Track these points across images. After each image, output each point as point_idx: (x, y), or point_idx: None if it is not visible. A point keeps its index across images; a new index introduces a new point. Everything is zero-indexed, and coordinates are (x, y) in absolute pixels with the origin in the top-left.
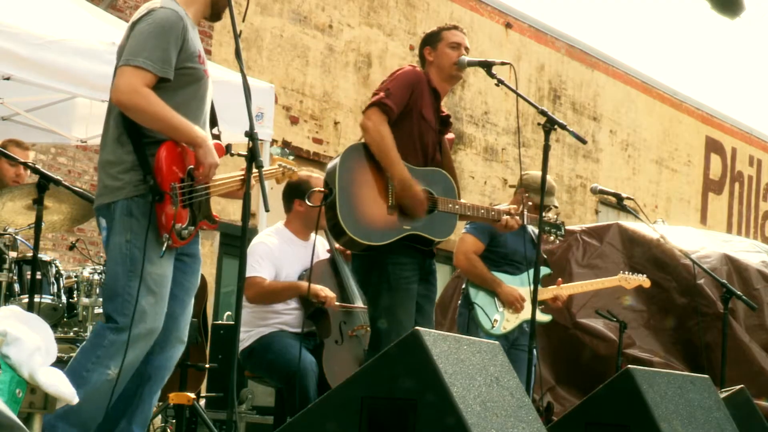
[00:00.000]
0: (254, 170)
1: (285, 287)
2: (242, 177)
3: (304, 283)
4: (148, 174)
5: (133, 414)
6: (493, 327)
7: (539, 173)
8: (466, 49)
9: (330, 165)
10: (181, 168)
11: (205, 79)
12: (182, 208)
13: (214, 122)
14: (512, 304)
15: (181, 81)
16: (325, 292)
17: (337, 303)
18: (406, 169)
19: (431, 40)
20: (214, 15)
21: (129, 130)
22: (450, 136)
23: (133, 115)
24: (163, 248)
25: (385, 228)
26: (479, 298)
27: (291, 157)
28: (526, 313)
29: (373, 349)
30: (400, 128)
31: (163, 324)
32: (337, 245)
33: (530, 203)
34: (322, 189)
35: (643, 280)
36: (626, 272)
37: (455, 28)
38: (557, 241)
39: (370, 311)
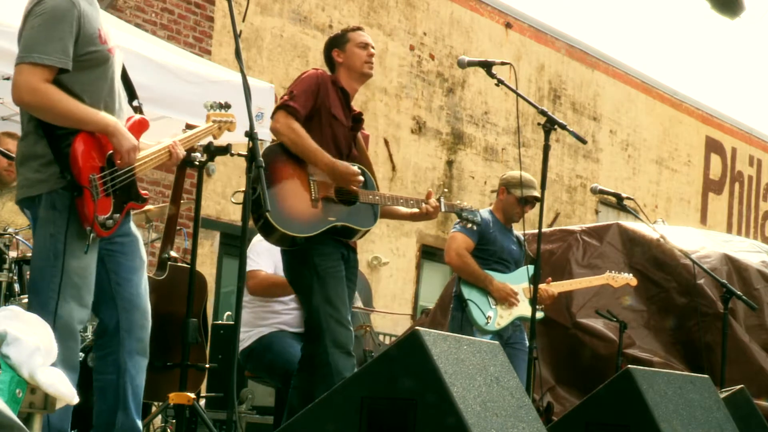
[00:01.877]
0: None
1: (285, 283)
2: (168, 149)
3: None
4: (65, 170)
5: (125, 404)
6: (487, 323)
7: (517, 172)
8: (373, 47)
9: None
10: (100, 155)
11: (111, 59)
12: (105, 197)
13: (132, 95)
14: (505, 299)
15: (85, 66)
16: None
17: None
18: (327, 154)
19: (338, 42)
20: None
21: (42, 123)
22: (365, 133)
23: (37, 114)
24: (88, 242)
25: (312, 221)
26: (472, 295)
27: (228, 110)
28: (518, 310)
29: (313, 341)
30: (311, 129)
31: (122, 308)
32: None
33: (511, 198)
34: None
35: (630, 279)
36: (613, 271)
37: (360, 29)
38: (474, 228)
39: (304, 304)
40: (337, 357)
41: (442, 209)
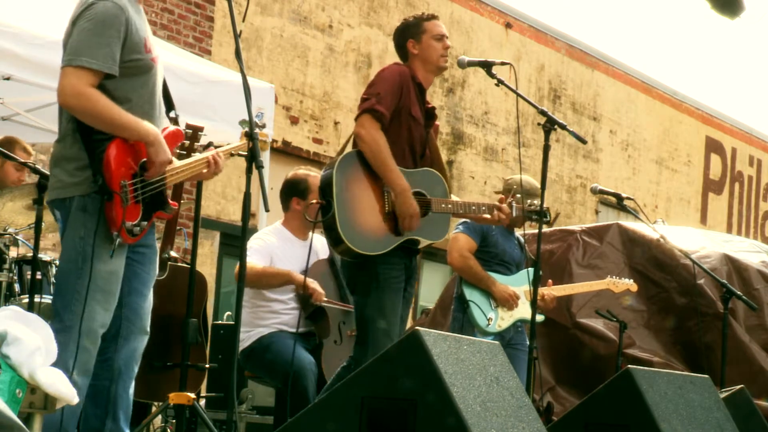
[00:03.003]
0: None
1: (277, 273)
2: (206, 160)
3: (297, 274)
4: (97, 173)
5: (115, 412)
6: (488, 325)
7: (523, 176)
8: (447, 37)
9: (324, 174)
10: (134, 162)
11: (154, 68)
12: (134, 204)
13: (170, 106)
14: (506, 301)
15: (129, 73)
16: (315, 285)
17: (325, 299)
18: (403, 179)
19: (414, 32)
20: None
21: (80, 127)
22: (435, 124)
23: (80, 117)
24: (114, 247)
25: (384, 236)
26: (474, 296)
27: (263, 130)
28: (520, 312)
29: (361, 346)
30: (389, 131)
31: (126, 317)
32: None
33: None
34: (319, 201)
35: (630, 285)
36: (614, 277)
37: (435, 17)
38: (545, 228)
39: (358, 310)
40: None
41: (513, 214)
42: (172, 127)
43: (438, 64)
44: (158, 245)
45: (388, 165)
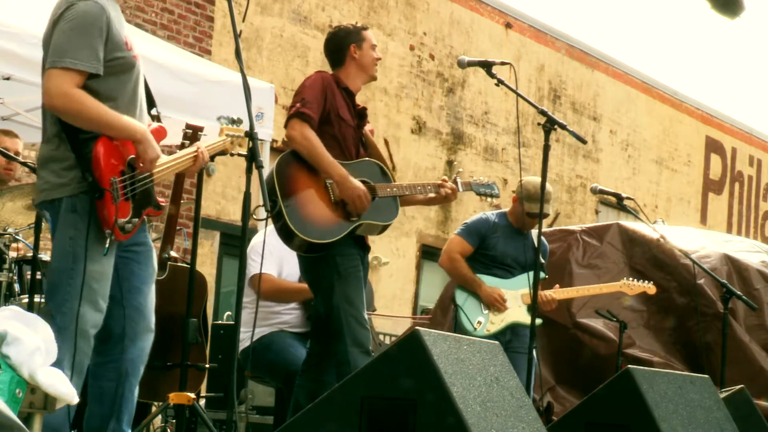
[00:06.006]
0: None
1: (298, 289)
2: (193, 154)
3: None
4: (87, 171)
5: (120, 413)
6: (475, 330)
7: (536, 179)
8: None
9: (266, 177)
10: (120, 160)
11: (136, 65)
12: (124, 201)
13: (151, 103)
14: (492, 303)
15: (112, 72)
16: None
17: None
18: (341, 167)
19: (355, 38)
20: None
21: (65, 127)
22: (369, 128)
23: (66, 119)
24: (107, 244)
25: (334, 225)
26: (466, 300)
27: (239, 125)
28: (512, 316)
29: (330, 340)
30: (322, 133)
31: (130, 317)
32: None
33: (521, 209)
34: (261, 204)
35: (647, 287)
36: (629, 279)
37: (368, 28)
38: (493, 202)
39: (324, 304)
40: (357, 356)
41: (460, 189)
42: (155, 124)
43: (371, 73)
44: (157, 245)
45: (323, 156)
